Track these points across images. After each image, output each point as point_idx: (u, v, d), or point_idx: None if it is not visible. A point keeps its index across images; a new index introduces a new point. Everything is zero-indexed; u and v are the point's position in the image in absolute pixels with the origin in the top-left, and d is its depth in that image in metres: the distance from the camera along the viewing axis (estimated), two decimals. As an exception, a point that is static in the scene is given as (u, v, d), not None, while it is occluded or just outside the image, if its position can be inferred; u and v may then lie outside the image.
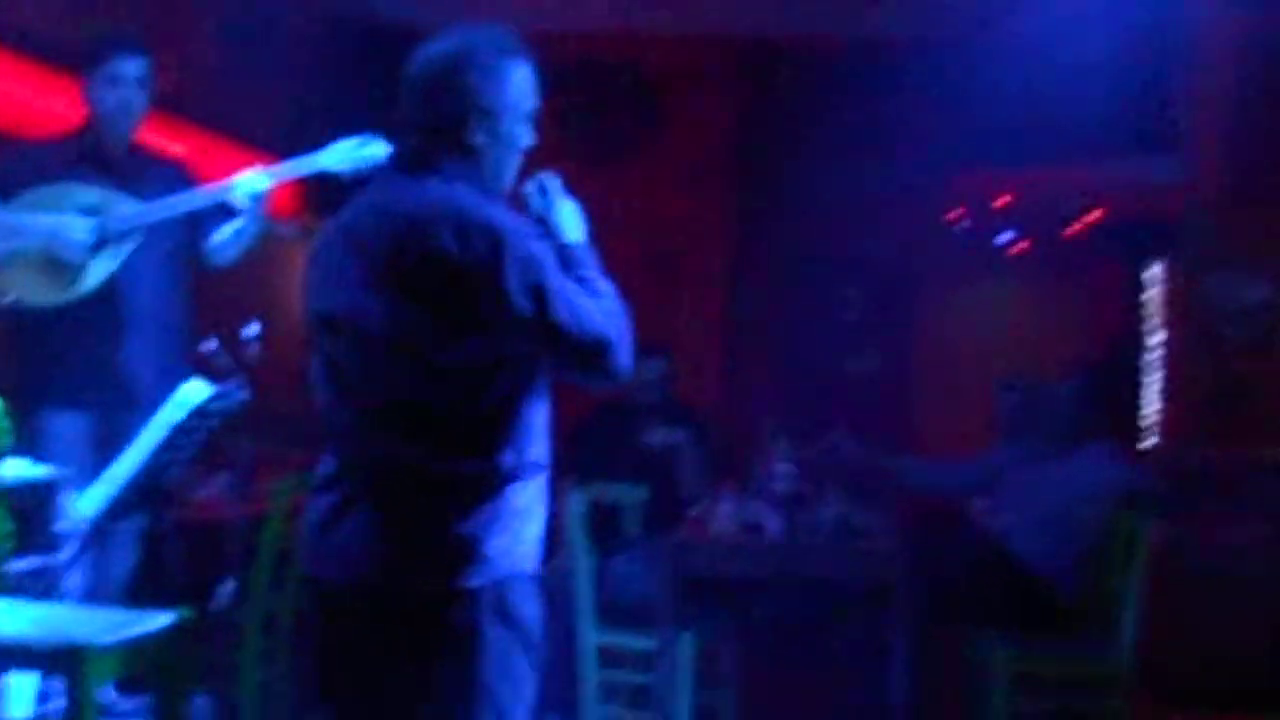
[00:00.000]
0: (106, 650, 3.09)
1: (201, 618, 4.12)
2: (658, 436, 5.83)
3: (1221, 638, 6.12)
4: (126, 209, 4.35)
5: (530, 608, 2.52)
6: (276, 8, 7.04)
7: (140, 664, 3.36)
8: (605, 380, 2.49)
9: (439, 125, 2.52)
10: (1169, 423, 7.29)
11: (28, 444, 3.76)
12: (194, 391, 3.50)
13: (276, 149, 4.56)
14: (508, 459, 2.47)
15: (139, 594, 4.36)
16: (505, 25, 2.61)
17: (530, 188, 2.67)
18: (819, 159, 8.25)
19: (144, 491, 3.64)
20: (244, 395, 3.53)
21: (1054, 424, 5.50)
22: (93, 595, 4.06)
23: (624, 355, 2.47)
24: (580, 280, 2.52)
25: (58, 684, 3.21)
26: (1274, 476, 6.23)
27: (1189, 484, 6.20)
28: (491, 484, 2.46)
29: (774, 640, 5.61)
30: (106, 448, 3.86)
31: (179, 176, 4.55)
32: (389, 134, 3.96)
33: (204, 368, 3.76)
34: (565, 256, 2.55)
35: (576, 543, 5.11)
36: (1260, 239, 6.50)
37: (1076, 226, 8.46)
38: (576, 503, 5.11)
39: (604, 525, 5.36)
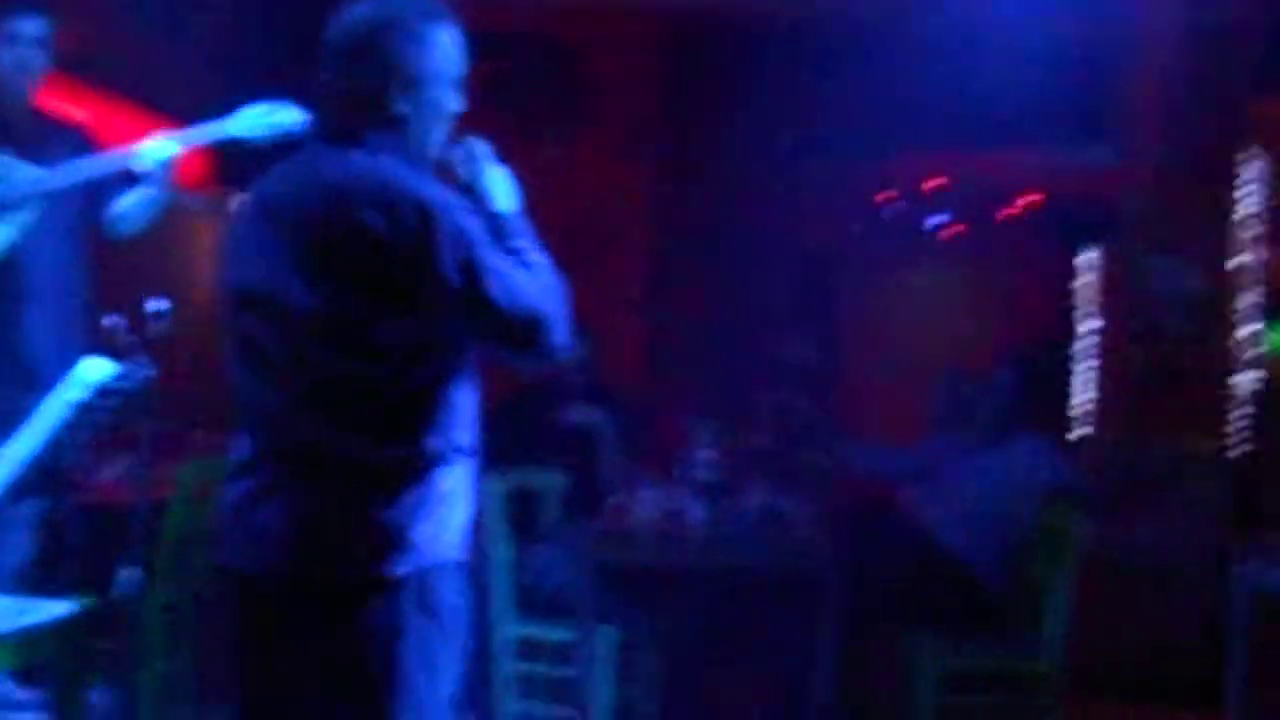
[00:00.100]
0: (2, 640, 3.04)
1: (102, 606, 4.07)
2: (577, 414, 5.81)
3: (1151, 632, 6.22)
4: (25, 175, 4.27)
5: (455, 597, 2.50)
6: (184, -34, 6.95)
7: (38, 654, 3.31)
8: (541, 359, 2.47)
9: (361, 94, 2.49)
10: (1100, 413, 7.37)
11: (-83, 422, 3.69)
12: (96, 369, 3.43)
13: (183, 115, 4.48)
14: (435, 443, 2.45)
15: (36, 581, 4.30)
16: None
17: (457, 154, 2.62)
18: (747, 136, 8.26)
19: (42, 474, 3.57)
20: (148, 374, 3.47)
21: (984, 415, 5.55)
22: (-14, 582, 4.00)
23: (560, 333, 2.46)
24: (513, 252, 2.49)
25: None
26: (1205, 469, 6.33)
27: (1119, 477, 6.28)
28: (417, 469, 2.44)
29: (696, 633, 5.62)
30: (3, 427, 3.79)
31: (81, 142, 4.47)
32: (306, 101, 3.93)
33: (106, 344, 3.70)
34: (496, 226, 2.53)
35: (494, 530, 5.09)
36: (1197, 225, 6.59)
37: (1010, 211, 8.54)
38: (494, 489, 5.09)
39: (522, 512, 5.35)
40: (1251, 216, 6.89)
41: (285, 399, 2.45)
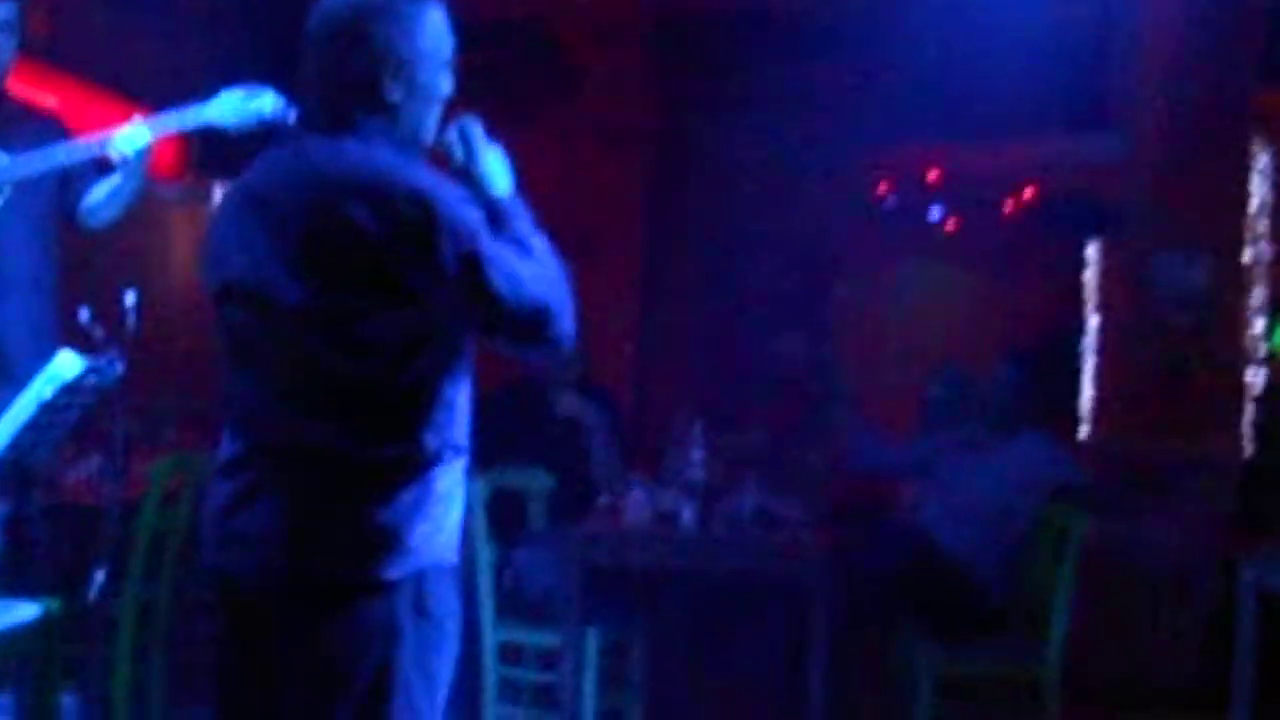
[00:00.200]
0: (-33, 644, 3.03)
1: (71, 609, 4.05)
2: (567, 405, 5.79)
3: (1155, 637, 6.22)
4: (-7, 163, 4.25)
5: (449, 601, 2.50)
6: (158, -51, 6.93)
7: (7, 658, 3.30)
8: (547, 351, 2.46)
9: (351, 81, 2.47)
10: (1105, 411, 7.38)
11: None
12: (65, 365, 3.42)
13: (158, 100, 4.46)
14: (431, 441, 2.44)
15: (3, 583, 4.28)
16: None
17: (450, 135, 2.60)
18: (739, 127, 8.26)
19: (10, 473, 3.57)
20: (120, 370, 3.46)
21: (986, 412, 5.55)
22: (-48, 584, 3.98)
23: (566, 322, 2.44)
24: (513, 240, 2.48)
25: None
26: (1212, 468, 6.34)
27: (1125, 477, 6.29)
28: (413, 468, 2.43)
29: (685, 638, 5.62)
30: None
31: (51, 129, 4.45)
32: (285, 87, 3.91)
33: (76, 339, 3.68)
34: (494, 211, 2.51)
35: (477, 532, 5.09)
36: (1203, 218, 6.59)
37: (1010, 204, 8.55)
38: (478, 489, 5.08)
39: (507, 514, 5.34)
40: (1259, 209, 6.90)
41: (275, 396, 2.44)
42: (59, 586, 4.06)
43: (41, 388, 3.41)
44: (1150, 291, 6.61)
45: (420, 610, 2.43)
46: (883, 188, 8.83)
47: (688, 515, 5.01)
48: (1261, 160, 6.91)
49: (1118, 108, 7.21)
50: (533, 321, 2.39)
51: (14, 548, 4.39)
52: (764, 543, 4.99)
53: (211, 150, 6.66)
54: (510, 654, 5.21)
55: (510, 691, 5.25)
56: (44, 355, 3.46)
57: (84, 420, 3.62)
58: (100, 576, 4.08)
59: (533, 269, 2.43)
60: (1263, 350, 6.90)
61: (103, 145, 4.23)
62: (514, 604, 5.22)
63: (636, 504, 5.10)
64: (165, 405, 6.26)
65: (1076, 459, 5.73)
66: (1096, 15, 7.20)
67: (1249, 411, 6.79)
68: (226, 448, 2.52)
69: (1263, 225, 6.92)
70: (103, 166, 4.31)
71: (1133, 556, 6.33)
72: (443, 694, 2.51)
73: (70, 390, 3.41)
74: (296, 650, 2.43)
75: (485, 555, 5.14)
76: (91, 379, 3.43)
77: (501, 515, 5.28)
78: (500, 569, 5.26)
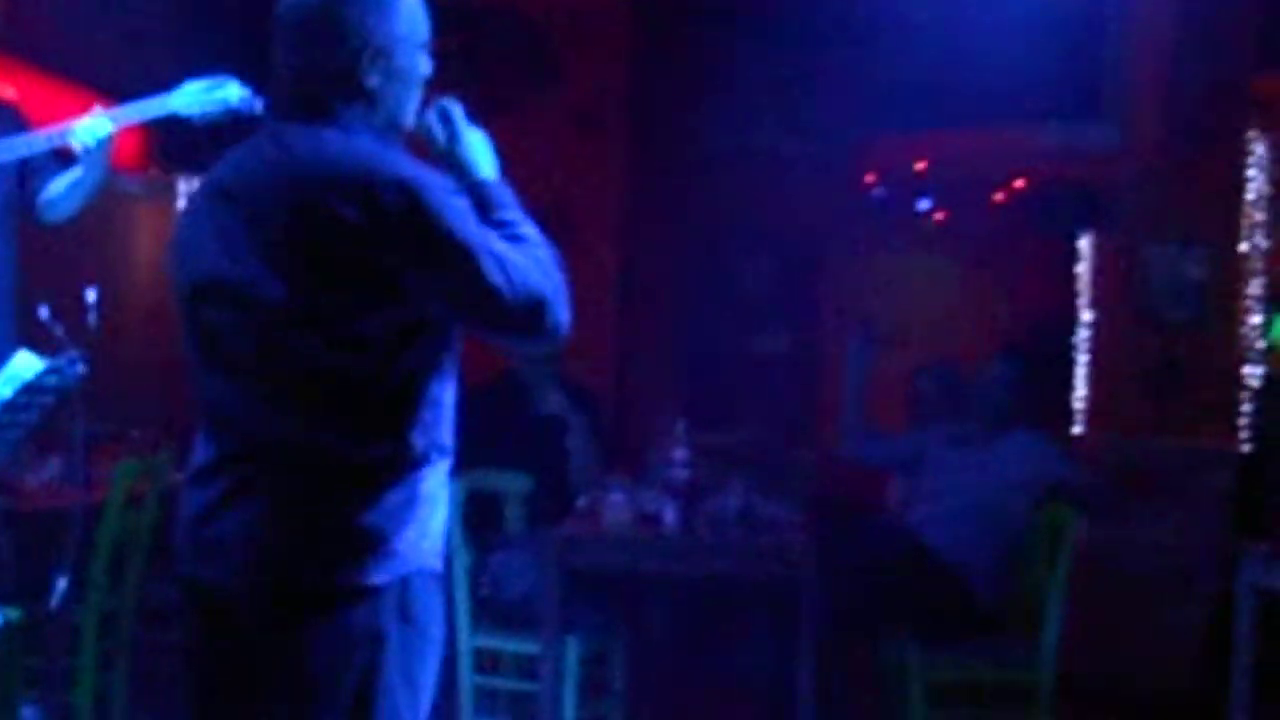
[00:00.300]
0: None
1: (32, 617, 4.04)
2: (549, 403, 5.79)
3: (1151, 640, 6.24)
4: (-52, 155, 4.23)
5: (434, 607, 2.49)
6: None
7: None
8: (543, 341, 2.45)
9: (328, 69, 2.45)
10: (1100, 408, 7.39)
11: None
12: (25, 365, 3.40)
13: (119, 91, 4.45)
14: (418, 440, 2.43)
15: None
16: None
17: (430, 118, 2.59)
18: (721, 116, 8.25)
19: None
20: (81, 369, 3.44)
21: (981, 410, 5.54)
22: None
23: (562, 311, 2.43)
24: (501, 224, 2.47)
25: None
26: (1210, 467, 6.36)
27: (1120, 475, 6.30)
28: (399, 468, 2.41)
29: (669, 644, 5.62)
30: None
31: (9, 119, 4.43)
32: (251, 76, 3.90)
33: (36, 338, 3.66)
34: (480, 196, 2.50)
35: (453, 535, 5.08)
36: (1197, 210, 6.61)
37: (1001, 195, 8.56)
38: (454, 491, 5.07)
39: (484, 516, 5.33)
40: (1256, 200, 6.92)
41: (255, 396, 2.41)
42: (19, 594, 4.05)
43: (0, 388, 3.40)
44: (1145, 284, 6.62)
45: (405, 617, 2.42)
46: (869, 178, 8.84)
47: (670, 517, 5.01)
48: (1259, 149, 6.92)
49: (1111, 95, 7.22)
50: (528, 312, 2.38)
51: (-28, 554, 4.37)
52: (749, 545, 4.99)
53: (175, 142, 6.65)
54: (487, 661, 5.21)
55: (487, 701, 5.25)
56: (1, 355, 3.45)
57: (44, 421, 3.60)
58: (62, 584, 4.07)
59: (526, 257, 2.42)
60: (1261, 344, 6.91)
61: (63, 136, 4.22)
62: (491, 609, 5.21)
63: (617, 506, 5.09)
64: (128, 406, 6.24)
65: (1071, 457, 5.74)
66: (1090, 2, 7.21)
67: (1246, 407, 6.80)
68: (201, 452, 2.50)
69: (1260, 215, 6.93)
70: (63, 158, 4.30)
71: (1128, 556, 6.34)
72: (427, 703, 2.50)
73: (30, 390, 3.40)
74: (277, 659, 2.41)
75: (461, 559, 5.13)
76: (52, 379, 3.41)
77: (478, 518, 5.28)
78: (476, 573, 5.25)
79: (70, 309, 3.74)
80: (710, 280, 8.89)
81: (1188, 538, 6.37)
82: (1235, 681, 5.44)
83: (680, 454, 5.25)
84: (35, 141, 4.28)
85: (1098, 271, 7.83)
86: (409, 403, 2.41)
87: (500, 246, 2.39)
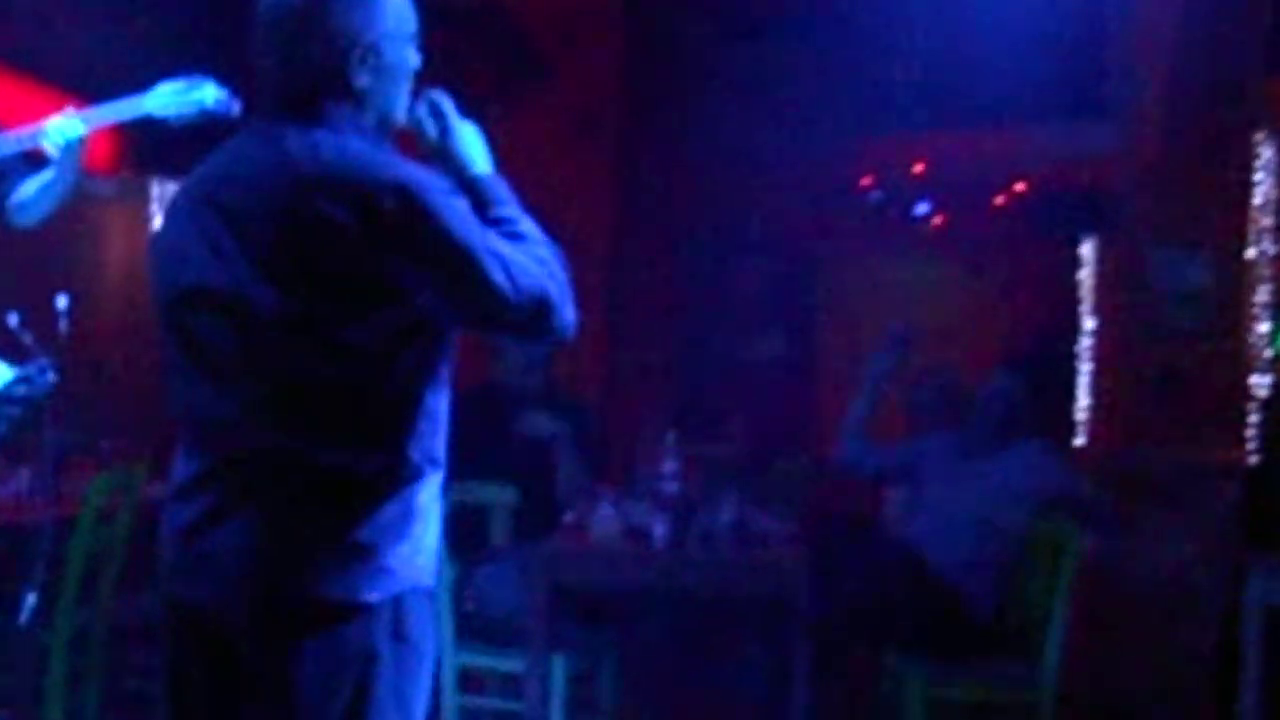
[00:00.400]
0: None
1: (1, 634, 4.02)
2: (535, 425, 5.77)
3: (1156, 657, 6.23)
4: (-85, 158, 4.21)
5: (426, 624, 2.47)
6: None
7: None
8: (548, 340, 2.45)
9: (315, 70, 2.43)
10: (1103, 417, 7.40)
11: None
12: (-7, 373, 3.39)
13: (92, 91, 4.44)
14: (413, 453, 2.41)
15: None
16: None
17: (421, 111, 2.57)
18: (713, 117, 8.25)
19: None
20: (52, 378, 3.43)
21: (983, 421, 5.53)
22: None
23: (567, 310, 2.43)
24: (500, 222, 2.46)
25: None
26: (1218, 480, 6.35)
27: (1124, 488, 6.29)
28: (394, 482, 2.40)
29: (659, 662, 5.61)
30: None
31: (-23, 121, 4.42)
32: (227, 75, 3.89)
33: (4, 346, 3.65)
34: (476, 192, 2.49)
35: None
36: (1203, 214, 6.60)
37: (1000, 198, 8.57)
38: (437, 504, 5.05)
39: (468, 530, 5.32)
40: (1263, 204, 6.92)
41: (246, 407, 2.39)
42: (-13, 611, 4.04)
43: (-34, 398, 3.39)
44: (1148, 291, 6.62)
45: (398, 634, 2.40)
46: (866, 180, 8.84)
47: (660, 531, 5.00)
48: (1266, 152, 6.92)
49: (1114, 95, 7.22)
50: (533, 312, 2.37)
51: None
52: (742, 560, 4.98)
53: (149, 144, 6.63)
54: (471, 680, 5.19)
55: (472, 720, 5.23)
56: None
57: (13, 432, 3.59)
58: (31, 599, 4.07)
59: (528, 256, 2.41)
60: (1268, 352, 6.92)
61: (34, 137, 4.20)
62: (475, 626, 5.20)
63: (605, 519, 5.08)
64: (101, 416, 6.23)
65: (1074, 469, 5.73)
66: (1092, 1, 7.21)
67: (1253, 417, 6.81)
68: (185, 466, 2.47)
69: (1267, 220, 6.94)
70: (34, 160, 4.28)
71: (1132, 571, 6.34)
72: None
73: (-2, 401, 3.39)
74: (267, 678, 2.39)
75: (445, 574, 5.11)
76: (21, 388, 3.41)
77: (462, 532, 5.26)
78: (461, 588, 5.24)
79: (40, 316, 3.73)
80: (703, 285, 8.89)
81: (1193, 551, 6.36)
82: (1243, 698, 5.44)
83: (670, 466, 5.25)
84: (5, 143, 4.27)
85: (1100, 277, 7.84)
86: (404, 414, 2.40)
87: (502, 246, 2.38)
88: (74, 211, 4.55)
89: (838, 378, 8.86)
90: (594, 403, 6.99)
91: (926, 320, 8.58)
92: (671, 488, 5.19)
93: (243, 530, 2.37)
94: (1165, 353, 6.52)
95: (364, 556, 2.36)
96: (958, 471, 5.47)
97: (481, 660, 5.16)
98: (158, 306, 2.49)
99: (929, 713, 4.92)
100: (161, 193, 7.96)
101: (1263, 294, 6.91)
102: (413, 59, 2.53)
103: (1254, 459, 6.72)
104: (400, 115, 2.54)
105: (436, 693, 5.04)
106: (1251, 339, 6.86)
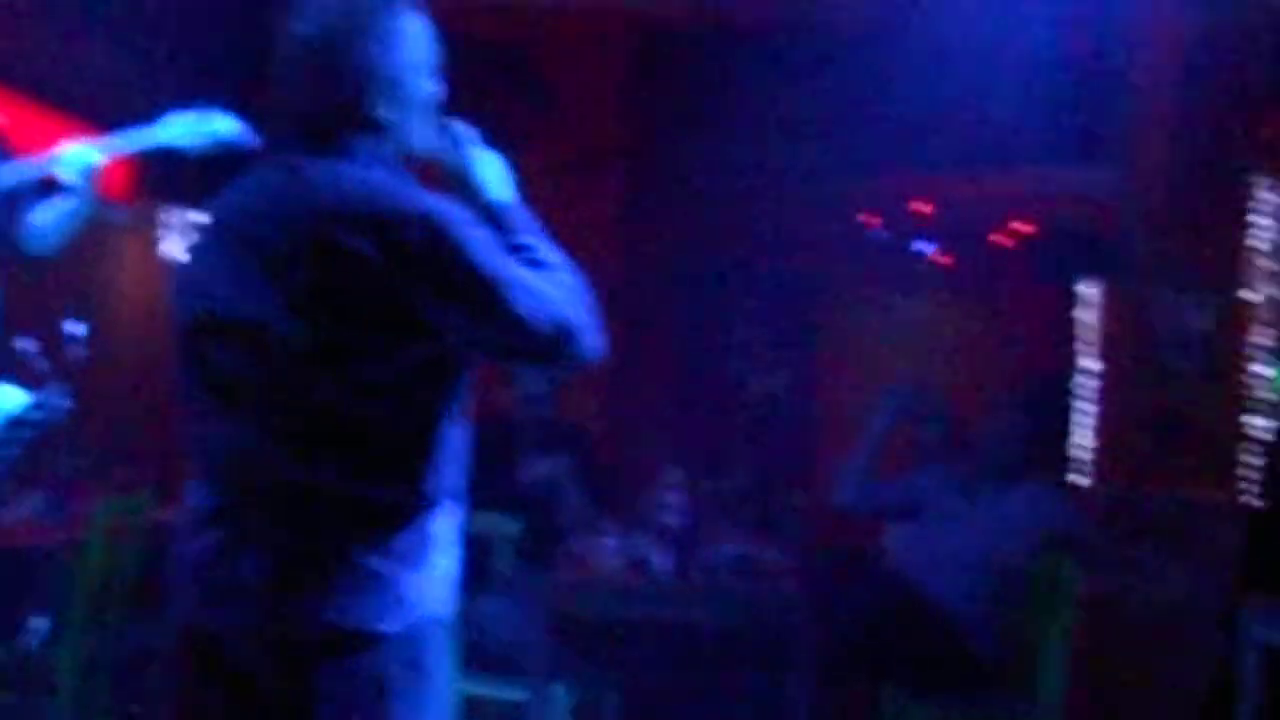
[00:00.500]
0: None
1: (9, 659, 4.02)
2: (536, 469, 5.77)
3: (1154, 696, 6.21)
4: (-69, 184, 4.22)
5: (441, 654, 2.47)
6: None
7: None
8: (571, 368, 2.44)
9: (336, 105, 2.44)
10: (1103, 459, 7.38)
11: None
12: (7, 399, 3.40)
13: (106, 121, 4.45)
14: (430, 484, 2.41)
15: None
16: None
17: (443, 141, 2.58)
18: (718, 154, 8.27)
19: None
20: (65, 404, 3.44)
21: (986, 458, 5.52)
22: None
23: (591, 338, 2.42)
24: (521, 249, 2.46)
25: None
26: (1217, 521, 6.34)
27: (1123, 528, 6.29)
28: (412, 513, 2.39)
29: (660, 693, 5.60)
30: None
31: (-6, 149, 4.43)
32: (239, 106, 3.91)
33: (18, 371, 3.66)
34: (497, 219, 2.49)
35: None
36: (1203, 259, 6.61)
37: (1004, 239, 8.57)
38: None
39: (471, 561, 5.30)
40: (1263, 248, 6.92)
41: (266, 438, 2.38)
42: (-4, 634, 4.04)
43: (-20, 422, 3.40)
44: (1149, 333, 6.62)
45: (413, 664, 2.40)
46: (870, 220, 8.85)
47: (662, 563, 5.01)
48: (1267, 195, 6.93)
49: (1116, 140, 7.24)
50: (557, 340, 2.37)
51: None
52: (743, 593, 4.99)
53: (162, 173, 6.65)
54: (474, 709, 5.18)
55: (472, 749, 5.22)
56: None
57: (25, 456, 3.60)
58: (40, 624, 4.06)
59: (552, 284, 2.41)
60: (1268, 395, 6.91)
61: (50, 166, 4.21)
62: (477, 656, 5.19)
63: (609, 551, 5.09)
64: (111, 441, 6.23)
65: (1075, 509, 5.73)
66: (1094, 43, 7.23)
67: (1252, 459, 6.79)
68: (202, 496, 2.46)
69: (1268, 264, 6.94)
70: (49, 188, 4.29)
71: (1130, 609, 6.33)
72: None
73: (13, 425, 3.40)
74: (282, 707, 2.38)
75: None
76: (35, 414, 3.41)
77: (464, 561, 5.25)
78: (463, 618, 5.22)
79: (54, 342, 3.74)
80: (706, 319, 8.89)
81: (1191, 590, 6.35)
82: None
83: (673, 499, 5.25)
84: (21, 171, 4.28)
85: (1101, 318, 7.83)
86: (422, 446, 2.39)
87: (525, 276, 2.37)
88: (87, 239, 4.55)
89: (839, 414, 8.85)
90: (598, 435, 6.98)
91: (927, 357, 8.61)
92: (674, 520, 5.19)
93: (260, 560, 2.36)
94: (1165, 394, 6.52)
95: (380, 586, 2.35)
96: (958, 508, 5.46)
97: (483, 689, 5.14)
98: (178, 337, 2.48)
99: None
100: (173, 221, 7.97)
101: (1263, 337, 6.91)
102: (433, 89, 2.54)
103: (1253, 501, 6.71)
104: (421, 145, 2.54)
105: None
106: (1251, 381, 6.86)
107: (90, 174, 4.21)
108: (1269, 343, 6.77)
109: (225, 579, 2.39)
